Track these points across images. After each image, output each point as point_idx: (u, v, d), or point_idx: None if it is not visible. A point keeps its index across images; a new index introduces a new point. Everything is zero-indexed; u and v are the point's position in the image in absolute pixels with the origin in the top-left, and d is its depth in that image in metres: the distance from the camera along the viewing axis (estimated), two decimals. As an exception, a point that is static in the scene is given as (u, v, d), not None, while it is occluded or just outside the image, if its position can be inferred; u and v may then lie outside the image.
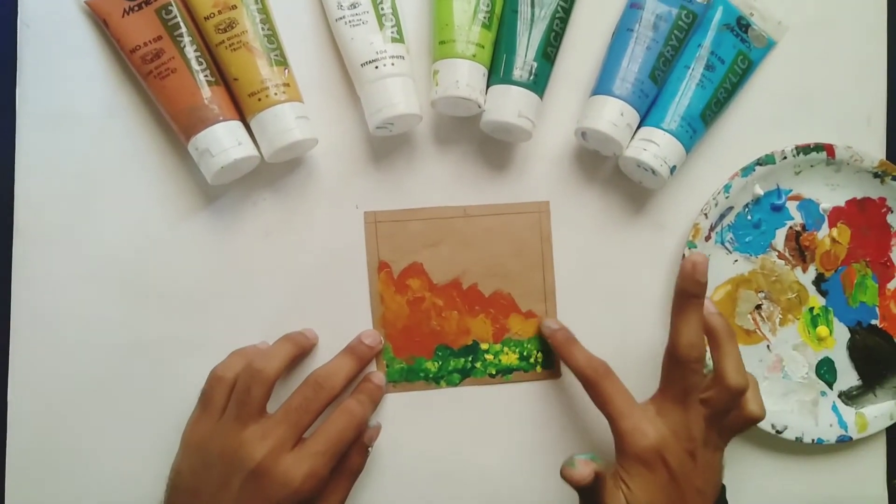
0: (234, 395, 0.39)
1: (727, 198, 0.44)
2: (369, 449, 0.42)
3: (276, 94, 0.40)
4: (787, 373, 0.46)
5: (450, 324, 0.45)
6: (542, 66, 0.42)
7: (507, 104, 0.41)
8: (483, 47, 0.41)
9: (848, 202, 0.46)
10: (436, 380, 0.45)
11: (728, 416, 0.38)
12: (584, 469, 0.35)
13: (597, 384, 0.39)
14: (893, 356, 0.46)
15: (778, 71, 0.46)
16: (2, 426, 0.43)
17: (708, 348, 0.39)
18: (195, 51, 0.40)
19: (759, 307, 0.46)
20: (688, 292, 0.38)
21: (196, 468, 0.39)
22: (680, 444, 0.37)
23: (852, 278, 0.46)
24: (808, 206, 0.46)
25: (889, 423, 0.45)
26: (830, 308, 0.46)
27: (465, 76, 0.40)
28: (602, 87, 0.42)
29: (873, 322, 0.46)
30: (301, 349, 0.42)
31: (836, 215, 0.46)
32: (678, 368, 0.38)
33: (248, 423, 0.38)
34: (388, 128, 0.42)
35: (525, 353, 0.45)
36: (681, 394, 0.38)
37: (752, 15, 0.45)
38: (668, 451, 0.37)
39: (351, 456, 0.41)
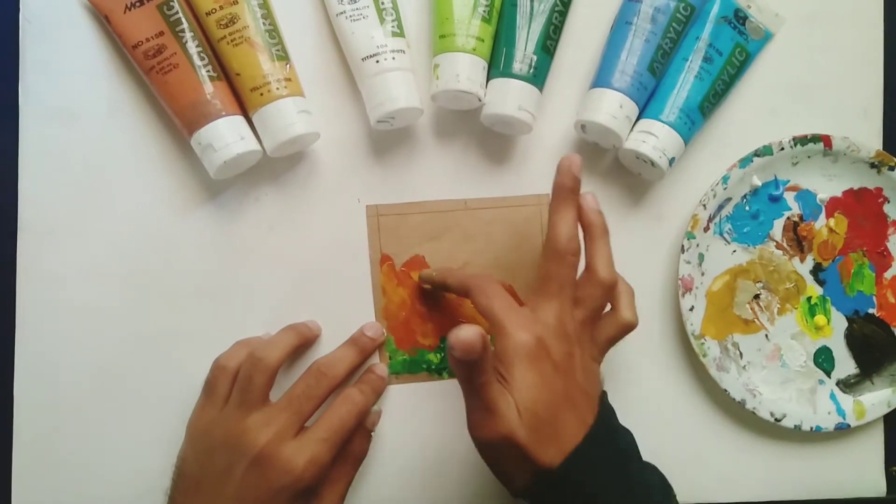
0: (236, 384, 0.40)
1: (725, 189, 0.44)
2: (371, 434, 0.43)
3: (277, 88, 0.40)
4: (786, 361, 0.46)
5: (452, 316, 0.45)
6: (542, 59, 0.42)
7: (508, 97, 0.41)
8: (483, 41, 0.41)
9: (845, 192, 0.46)
10: (438, 371, 0.45)
11: (599, 313, 0.38)
12: (471, 332, 0.32)
13: (480, 286, 0.38)
14: (890, 344, 0.47)
15: (775, 63, 0.46)
16: (8, 418, 0.43)
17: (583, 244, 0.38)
18: (197, 46, 0.41)
19: (757, 297, 0.46)
20: (565, 187, 0.38)
21: (200, 456, 0.39)
22: (559, 340, 0.36)
23: (849, 268, 0.46)
24: (805, 196, 0.46)
25: (886, 410, 0.46)
26: (828, 297, 0.46)
27: (465, 70, 0.41)
28: (601, 79, 0.42)
29: (870, 311, 0.47)
30: (304, 339, 0.43)
31: (834, 205, 0.46)
32: (555, 263, 0.37)
33: (251, 411, 0.39)
34: (389, 122, 0.42)
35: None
36: (557, 289, 0.37)
37: (749, 7, 0.45)
38: (550, 340, 0.36)
39: (354, 442, 0.41)
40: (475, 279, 0.39)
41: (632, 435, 0.38)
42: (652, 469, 0.38)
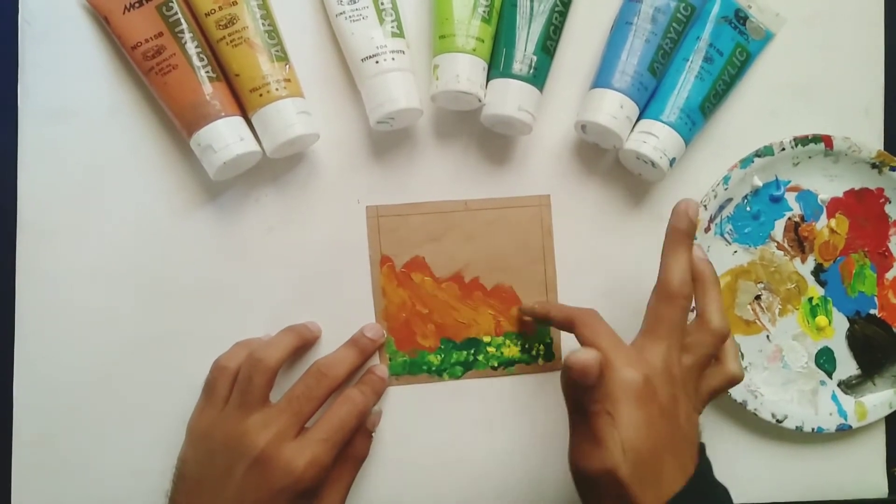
0: (236, 385, 0.40)
1: (726, 189, 0.44)
2: (372, 434, 0.43)
3: (277, 89, 0.40)
4: (787, 362, 0.46)
5: (452, 317, 0.45)
6: (542, 59, 0.42)
7: (508, 98, 0.41)
8: (483, 41, 0.41)
9: (846, 193, 0.46)
10: (438, 372, 0.45)
11: (708, 362, 0.38)
12: (591, 353, 0.32)
13: (586, 320, 0.38)
14: (892, 345, 0.46)
15: (776, 63, 0.46)
16: (8, 420, 0.43)
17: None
18: (196, 47, 0.41)
19: (758, 298, 0.46)
20: (680, 231, 0.38)
21: (200, 457, 0.39)
22: (666, 383, 0.35)
23: (851, 268, 0.46)
24: (806, 196, 0.46)
25: (888, 411, 0.46)
26: (829, 298, 0.46)
27: (465, 70, 0.41)
28: (601, 80, 0.42)
29: (872, 311, 0.46)
30: (304, 340, 0.43)
31: (835, 206, 0.46)
32: (667, 306, 0.37)
33: (251, 412, 0.39)
34: (388, 122, 0.42)
35: (527, 346, 0.45)
36: (668, 332, 0.36)
37: (749, 7, 0.45)
38: (658, 382, 0.35)
39: (355, 442, 0.41)
40: (581, 313, 0.39)
41: (727, 492, 0.37)
42: None
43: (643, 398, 0.34)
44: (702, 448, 0.37)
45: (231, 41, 0.41)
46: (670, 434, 0.35)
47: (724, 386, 0.39)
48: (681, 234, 0.38)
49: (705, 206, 0.44)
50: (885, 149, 0.46)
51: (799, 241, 0.46)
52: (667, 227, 0.38)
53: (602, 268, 0.45)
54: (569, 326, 0.39)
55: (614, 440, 0.33)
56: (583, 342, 0.38)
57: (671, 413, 0.35)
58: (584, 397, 0.33)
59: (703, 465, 0.36)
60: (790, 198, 0.46)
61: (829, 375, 0.46)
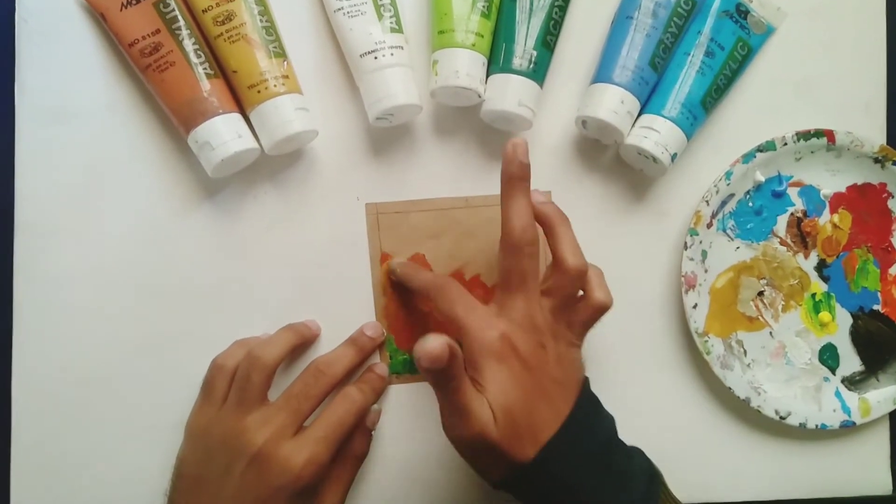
0: (234, 383, 0.40)
1: (728, 185, 0.44)
2: (372, 433, 0.43)
3: (275, 85, 0.40)
4: (790, 359, 0.46)
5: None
6: (542, 54, 0.41)
7: (508, 93, 0.41)
8: (482, 36, 0.41)
9: (849, 188, 0.46)
10: (439, 370, 0.45)
11: (573, 305, 0.37)
12: (436, 342, 0.31)
13: (442, 289, 0.38)
14: (895, 341, 0.46)
15: (777, 57, 0.46)
16: (7, 419, 0.43)
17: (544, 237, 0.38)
18: (194, 44, 0.40)
19: (761, 294, 0.46)
20: (513, 175, 0.36)
21: (199, 456, 0.39)
22: (527, 334, 0.36)
23: (854, 264, 0.46)
24: (809, 192, 0.46)
25: (892, 407, 0.46)
26: (832, 294, 0.46)
27: (464, 66, 0.40)
28: (602, 75, 0.42)
29: (875, 307, 0.46)
30: (302, 339, 0.42)
31: (837, 201, 0.46)
32: (513, 255, 0.36)
33: (250, 410, 0.38)
34: (388, 118, 0.42)
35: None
36: (519, 282, 0.36)
37: (751, 1, 0.45)
38: (517, 338, 0.35)
39: (355, 441, 0.41)
40: (435, 282, 0.39)
41: (612, 420, 0.38)
42: (638, 455, 0.38)
43: (503, 356, 0.35)
44: (584, 383, 0.37)
45: (228, 37, 0.40)
46: (537, 384, 0.35)
47: (594, 316, 0.38)
48: (513, 178, 0.36)
49: (707, 201, 0.44)
50: (887, 143, 0.46)
51: (802, 236, 0.46)
52: (501, 173, 0.37)
53: (603, 263, 0.45)
54: (426, 297, 0.39)
55: (482, 406, 0.34)
56: (439, 313, 0.38)
57: (537, 362, 0.35)
58: (441, 378, 0.33)
59: (582, 401, 0.36)
60: (793, 193, 0.46)
61: (833, 372, 0.46)
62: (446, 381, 0.33)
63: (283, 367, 0.42)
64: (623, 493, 0.36)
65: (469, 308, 0.36)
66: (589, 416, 0.37)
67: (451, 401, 0.34)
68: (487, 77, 0.42)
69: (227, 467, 0.37)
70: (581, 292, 0.38)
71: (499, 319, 0.36)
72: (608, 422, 0.38)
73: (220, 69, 0.41)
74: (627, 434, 0.45)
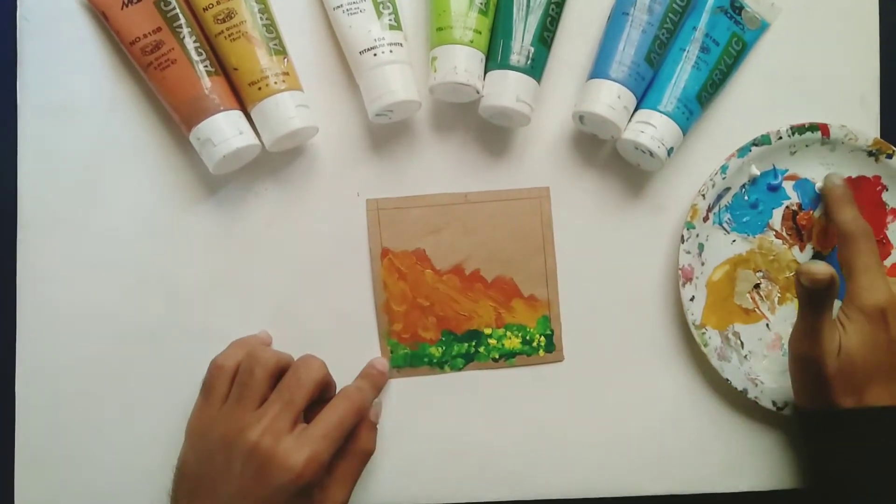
0: (236, 383, 0.40)
1: (724, 179, 0.44)
2: (377, 427, 0.43)
3: (275, 83, 0.41)
4: (787, 350, 0.46)
5: (453, 309, 0.45)
6: (539, 50, 0.42)
7: (506, 89, 0.41)
8: (480, 33, 0.41)
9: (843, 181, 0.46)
10: (440, 365, 0.45)
11: None
12: (826, 269, 0.37)
13: (854, 237, 0.41)
14: (891, 332, 0.47)
15: (772, 52, 0.47)
16: (10, 417, 0.43)
17: None
18: (194, 41, 0.41)
19: (757, 286, 0.46)
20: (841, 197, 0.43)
21: (200, 456, 0.39)
22: None
23: (849, 256, 0.46)
24: (804, 185, 0.46)
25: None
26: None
27: (462, 62, 0.41)
28: (599, 70, 0.43)
29: (884, 268, 0.46)
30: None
31: (832, 194, 0.46)
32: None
33: (249, 410, 0.39)
34: (387, 115, 0.42)
35: (528, 338, 0.45)
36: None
37: (745, -3, 0.45)
38: (892, 317, 0.39)
39: (361, 436, 0.41)
40: (854, 228, 0.42)
41: None
42: None
43: (874, 321, 0.39)
44: None
45: (229, 35, 0.41)
46: (891, 359, 0.39)
47: None
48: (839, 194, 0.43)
49: (703, 195, 0.44)
50: (881, 136, 0.46)
51: (797, 229, 0.46)
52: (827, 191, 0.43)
53: (602, 258, 0.46)
54: (840, 237, 0.43)
55: (833, 338, 0.39)
56: (840, 255, 0.42)
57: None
58: (812, 299, 0.38)
59: None
60: (788, 186, 0.46)
61: (829, 363, 0.46)
62: (816, 303, 0.38)
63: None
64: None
65: (869, 267, 0.40)
66: None
67: (811, 321, 0.39)
68: (486, 73, 0.42)
69: (227, 466, 0.37)
70: None
71: (887, 292, 0.40)
72: None
73: (221, 67, 0.41)
74: (625, 426, 0.46)
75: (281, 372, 0.40)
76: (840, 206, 0.43)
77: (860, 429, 0.39)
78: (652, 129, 0.42)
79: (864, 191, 0.46)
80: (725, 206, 0.45)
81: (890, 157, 0.46)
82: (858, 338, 0.39)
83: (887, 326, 0.39)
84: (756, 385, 0.45)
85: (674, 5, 0.43)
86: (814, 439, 0.42)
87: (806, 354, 0.39)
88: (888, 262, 0.47)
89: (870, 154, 0.46)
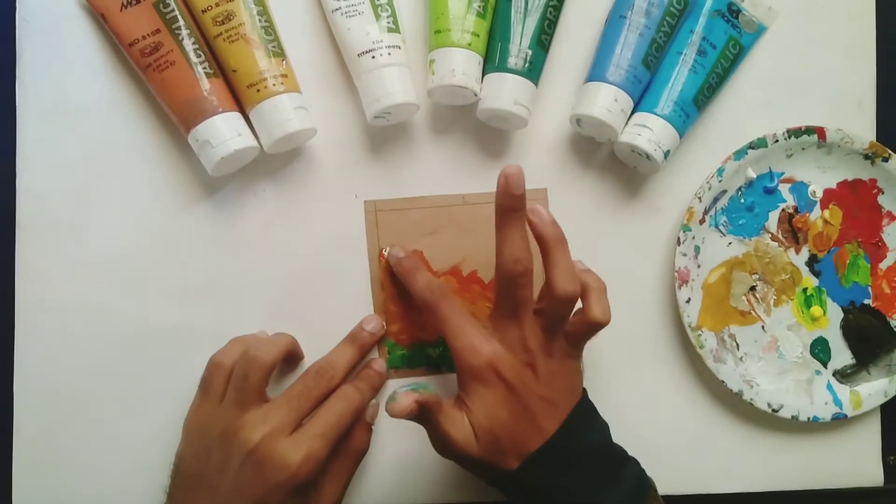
0: (232, 381, 0.40)
1: (720, 181, 0.45)
2: (371, 427, 0.43)
3: (274, 84, 0.41)
4: (782, 352, 0.46)
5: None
6: (537, 53, 0.42)
7: (503, 92, 0.41)
8: (478, 36, 0.42)
9: (839, 184, 0.46)
10: (437, 365, 0.45)
11: (564, 323, 0.38)
12: (405, 400, 0.35)
13: (433, 305, 0.40)
14: (886, 334, 0.47)
15: (769, 56, 0.47)
16: (8, 417, 0.43)
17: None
18: (193, 43, 0.41)
19: (753, 289, 0.46)
20: (505, 206, 0.37)
21: (197, 453, 0.39)
22: (516, 356, 0.38)
23: (845, 259, 0.47)
24: (800, 188, 0.46)
25: (883, 400, 0.46)
26: (824, 288, 0.47)
27: (460, 65, 0.41)
28: (596, 73, 0.43)
29: (866, 301, 0.47)
30: (297, 349, 0.43)
31: (828, 197, 0.46)
32: (506, 285, 0.38)
33: (248, 408, 0.39)
34: (385, 117, 0.43)
35: (524, 339, 0.45)
36: (512, 309, 0.38)
37: (742, 1, 0.45)
38: (503, 364, 0.37)
39: (355, 436, 0.41)
40: (430, 297, 0.40)
41: (605, 428, 0.40)
42: (630, 465, 0.39)
43: (487, 381, 0.37)
44: (581, 395, 0.40)
45: (228, 37, 0.41)
46: (522, 405, 0.37)
47: (589, 331, 0.39)
48: (506, 210, 0.37)
49: (700, 197, 0.44)
50: (877, 140, 0.47)
51: (793, 232, 0.46)
52: (495, 203, 0.38)
53: (598, 260, 0.45)
54: (421, 306, 0.41)
55: (463, 430, 0.37)
56: (434, 325, 0.40)
57: (523, 385, 0.37)
58: (418, 419, 0.37)
59: (574, 415, 0.38)
60: (784, 189, 0.46)
61: (825, 365, 0.47)
62: (424, 421, 0.37)
63: (279, 367, 0.43)
64: (606, 495, 0.37)
65: (458, 332, 0.38)
66: (576, 429, 0.38)
67: (433, 431, 0.38)
68: (483, 76, 0.42)
69: (224, 464, 0.38)
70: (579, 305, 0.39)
71: (487, 344, 0.38)
72: (599, 432, 0.39)
73: (220, 68, 0.42)
74: (622, 428, 0.46)
75: (280, 362, 0.41)
76: (409, 277, 0.42)
77: (534, 477, 0.37)
78: (649, 132, 0.42)
79: (861, 194, 0.47)
80: (722, 208, 0.46)
81: (886, 160, 0.46)
82: (484, 409, 0.37)
83: (502, 378, 0.37)
84: (751, 387, 0.45)
85: (671, 9, 0.43)
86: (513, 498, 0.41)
87: (452, 455, 0.38)
88: (884, 265, 0.47)
89: (866, 157, 0.46)
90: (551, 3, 0.42)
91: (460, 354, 0.38)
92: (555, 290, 0.37)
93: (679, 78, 0.43)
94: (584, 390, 0.40)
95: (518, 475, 0.37)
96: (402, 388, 0.36)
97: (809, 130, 0.45)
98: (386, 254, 0.44)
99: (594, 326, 0.39)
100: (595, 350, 0.46)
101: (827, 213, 0.46)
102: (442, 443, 0.38)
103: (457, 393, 0.39)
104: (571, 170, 0.46)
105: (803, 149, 0.46)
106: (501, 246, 0.38)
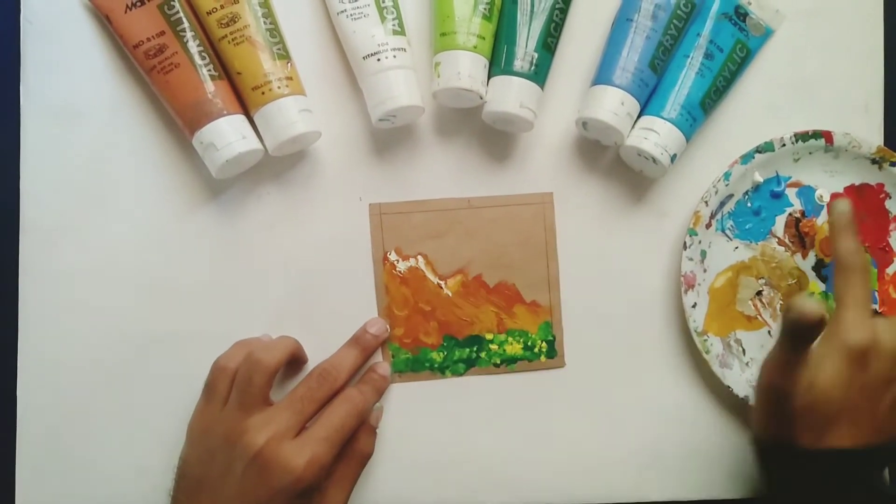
0: (235, 384, 0.40)
1: (727, 185, 0.44)
2: (376, 431, 0.43)
3: (279, 87, 0.41)
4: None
5: (455, 314, 0.45)
6: (543, 56, 0.42)
7: (509, 95, 0.41)
8: (484, 39, 0.41)
9: (846, 188, 0.46)
10: (441, 370, 0.45)
11: None
12: (818, 308, 0.34)
13: (849, 270, 0.39)
14: (893, 340, 0.46)
15: (776, 59, 0.46)
16: (12, 419, 0.43)
17: None
18: (198, 46, 0.41)
19: (759, 293, 0.46)
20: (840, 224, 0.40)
21: (201, 456, 0.39)
22: (881, 362, 0.37)
23: (852, 264, 0.46)
24: (807, 192, 0.46)
25: (889, 406, 0.46)
26: (830, 293, 0.46)
27: (466, 67, 0.41)
28: (602, 76, 0.43)
29: (873, 307, 0.47)
30: (301, 351, 0.43)
31: (835, 201, 0.46)
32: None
33: (252, 412, 0.39)
34: (390, 120, 0.42)
35: (529, 343, 0.45)
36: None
37: (749, 4, 0.45)
38: (874, 358, 0.37)
39: (360, 440, 0.41)
40: (851, 261, 0.39)
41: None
42: None
43: (855, 361, 0.36)
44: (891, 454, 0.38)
45: (233, 39, 0.41)
46: (858, 405, 0.36)
47: None
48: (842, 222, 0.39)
49: (706, 202, 0.44)
50: (885, 144, 0.46)
51: (800, 236, 0.46)
52: (832, 216, 0.40)
53: (604, 264, 0.46)
54: (836, 265, 0.40)
55: (807, 374, 0.36)
56: (836, 287, 0.39)
57: (872, 392, 0.37)
58: (798, 332, 0.36)
59: (881, 451, 0.37)
60: (791, 193, 0.46)
61: (831, 370, 0.46)
62: (799, 338, 0.36)
63: (283, 370, 0.43)
64: None
65: (858, 302, 0.38)
66: (877, 462, 0.38)
67: (790, 354, 0.37)
68: (489, 79, 0.42)
69: (228, 468, 0.38)
70: None
71: (874, 330, 0.37)
72: (887, 487, 0.39)
73: (225, 71, 0.41)
74: (627, 432, 0.46)
75: (284, 366, 0.41)
76: (842, 234, 0.40)
77: (816, 468, 0.37)
78: (655, 136, 0.42)
79: (868, 199, 0.46)
80: (728, 212, 0.45)
81: (893, 164, 0.46)
82: (833, 376, 0.36)
83: (866, 367, 0.37)
84: (758, 392, 0.45)
85: (678, 11, 0.43)
86: (767, 471, 0.40)
87: (778, 385, 0.37)
88: (891, 271, 0.47)
89: (873, 162, 0.46)
90: (557, 6, 0.42)
91: (844, 322, 0.37)
92: None
93: (686, 81, 0.43)
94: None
95: (799, 455, 0.36)
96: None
97: (817, 134, 0.45)
98: (833, 204, 0.42)
99: None
100: (600, 354, 0.45)
101: (834, 218, 0.46)
102: (784, 368, 0.37)
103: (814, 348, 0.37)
104: (577, 173, 0.46)
105: (810, 153, 0.45)
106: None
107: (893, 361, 0.37)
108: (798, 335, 0.36)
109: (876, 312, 0.46)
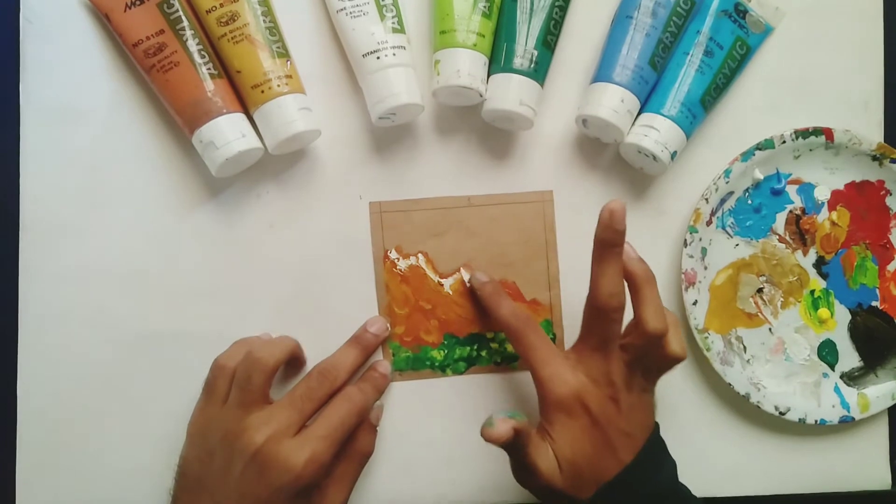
0: (235, 383, 0.40)
1: (727, 182, 0.44)
2: (376, 430, 0.43)
3: (278, 85, 0.41)
4: (790, 355, 0.46)
5: (455, 313, 0.45)
6: (543, 54, 0.42)
7: (509, 93, 0.41)
8: (483, 36, 0.41)
9: (847, 185, 0.46)
10: (441, 368, 0.45)
11: (648, 358, 0.38)
12: (503, 427, 0.35)
13: (520, 333, 0.40)
14: (894, 337, 0.46)
15: (776, 56, 0.46)
16: (12, 419, 0.43)
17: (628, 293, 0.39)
18: (197, 44, 0.41)
19: (760, 291, 0.46)
20: (606, 241, 0.36)
21: (201, 455, 0.39)
22: (600, 389, 0.38)
23: (852, 261, 0.46)
24: (807, 189, 0.46)
25: (891, 402, 0.46)
26: (831, 290, 0.46)
27: (466, 65, 0.41)
28: (602, 74, 0.42)
29: (874, 303, 0.47)
30: (300, 349, 0.43)
31: (836, 198, 0.46)
32: (598, 318, 0.38)
33: (251, 410, 0.39)
34: (390, 118, 0.42)
35: (529, 341, 0.45)
36: (600, 342, 0.38)
37: (749, 1, 0.45)
38: (588, 396, 0.38)
39: (360, 438, 0.41)
40: (517, 323, 0.40)
41: (673, 466, 0.40)
42: (694, 501, 0.40)
43: (573, 412, 0.38)
44: (653, 429, 0.40)
45: (232, 38, 0.41)
46: (604, 437, 0.38)
47: (668, 367, 0.39)
48: (606, 244, 0.37)
49: (707, 199, 0.44)
50: (885, 141, 0.46)
51: (800, 233, 0.46)
52: (594, 236, 0.37)
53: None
54: (506, 333, 0.41)
55: (548, 461, 0.37)
56: (519, 352, 0.40)
57: (606, 418, 0.38)
58: (508, 447, 0.37)
59: (647, 449, 0.38)
60: (791, 190, 0.46)
61: (832, 368, 0.46)
62: (514, 449, 0.37)
63: (282, 369, 0.43)
64: None
65: (546, 360, 0.39)
66: (648, 463, 0.39)
67: (520, 461, 0.38)
68: (489, 77, 0.42)
69: (228, 466, 0.37)
70: None
71: (573, 375, 0.38)
72: (668, 468, 0.39)
73: (224, 69, 0.41)
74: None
75: (283, 364, 0.41)
76: (494, 302, 0.42)
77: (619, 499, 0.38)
78: (655, 133, 0.42)
79: (868, 195, 0.46)
80: (729, 210, 0.45)
81: (894, 161, 0.46)
82: (568, 440, 0.37)
83: (587, 410, 0.37)
84: (758, 390, 0.45)
85: (678, 9, 0.43)
86: None
87: (535, 486, 0.38)
88: (892, 267, 0.47)
89: (874, 158, 0.46)
90: (557, 4, 0.42)
91: (547, 383, 0.38)
92: (645, 327, 0.37)
93: (686, 78, 0.43)
94: (657, 425, 0.40)
95: (591, 502, 0.37)
96: (499, 415, 0.36)
97: (817, 131, 0.45)
98: (467, 279, 0.44)
99: (674, 361, 0.39)
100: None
101: (834, 215, 0.46)
102: (526, 472, 0.38)
103: (539, 422, 0.39)
104: (577, 171, 0.46)
105: (811, 150, 0.45)
106: (598, 280, 0.37)
107: (607, 383, 0.38)
108: (511, 449, 0.37)
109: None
